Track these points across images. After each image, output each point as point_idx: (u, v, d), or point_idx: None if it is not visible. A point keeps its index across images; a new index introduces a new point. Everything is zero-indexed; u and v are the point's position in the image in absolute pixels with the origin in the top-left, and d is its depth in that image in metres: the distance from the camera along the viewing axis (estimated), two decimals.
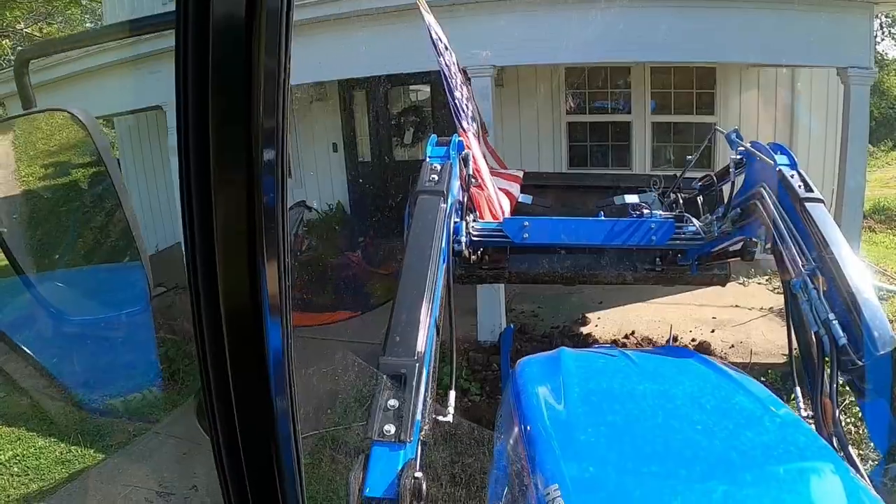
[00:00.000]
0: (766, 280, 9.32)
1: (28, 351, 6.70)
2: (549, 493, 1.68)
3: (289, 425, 0.86)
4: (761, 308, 8.62)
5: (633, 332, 7.96)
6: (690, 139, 10.27)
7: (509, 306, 8.53)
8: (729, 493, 1.64)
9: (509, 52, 7.81)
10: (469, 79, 6.97)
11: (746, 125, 9.70)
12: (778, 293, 9.03)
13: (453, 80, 4.94)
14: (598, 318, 8.42)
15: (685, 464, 1.82)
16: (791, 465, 1.80)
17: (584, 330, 8.20)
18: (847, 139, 7.73)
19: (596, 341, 7.64)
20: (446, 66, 4.94)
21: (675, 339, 7.74)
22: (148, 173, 12.78)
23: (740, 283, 9.17)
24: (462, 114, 4.85)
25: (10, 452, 6.40)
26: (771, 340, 7.89)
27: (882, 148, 24.75)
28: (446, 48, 5.17)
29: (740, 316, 8.44)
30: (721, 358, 7.39)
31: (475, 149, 4.56)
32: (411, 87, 11.48)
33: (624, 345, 7.61)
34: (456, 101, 4.86)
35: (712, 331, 8.04)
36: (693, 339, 7.75)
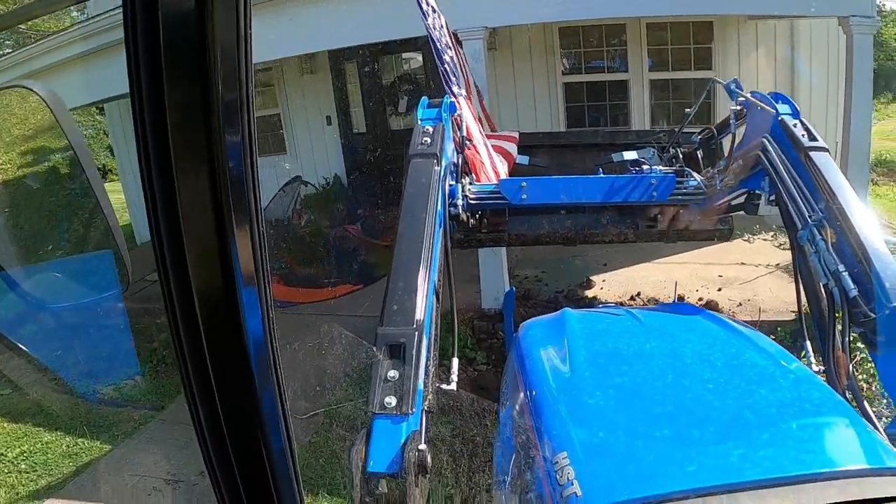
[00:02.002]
0: (772, 236, 9.26)
1: (20, 345, 6.69)
2: (557, 462, 1.65)
3: (275, 406, 0.83)
4: (768, 264, 8.57)
5: (638, 293, 7.92)
6: (689, 95, 10.14)
7: (512, 272, 8.44)
8: (746, 456, 1.57)
9: (501, 12, 7.67)
10: (460, 42, 6.87)
11: (746, 79, 9.54)
12: (784, 249, 8.99)
13: (440, 44, 4.87)
14: (604, 281, 8.36)
15: (698, 425, 1.77)
16: (808, 422, 1.74)
17: (589, 293, 8.16)
18: (851, 90, 7.59)
19: (602, 304, 7.58)
20: (434, 28, 4.87)
21: (682, 298, 7.68)
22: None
23: (745, 240, 9.14)
24: (452, 78, 4.78)
25: (18, 449, 6.37)
26: (779, 297, 7.83)
27: (881, 100, 24.78)
28: (434, 10, 5.09)
29: (747, 273, 8.40)
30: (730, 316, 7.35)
31: (466, 112, 4.49)
32: (403, 56, 11.42)
33: (630, 306, 7.55)
34: (445, 65, 4.79)
35: (719, 289, 8.00)
36: (700, 299, 7.70)
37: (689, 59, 10.12)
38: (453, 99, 4.22)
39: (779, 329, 6.79)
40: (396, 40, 8.71)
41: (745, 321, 6.90)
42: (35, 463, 6.14)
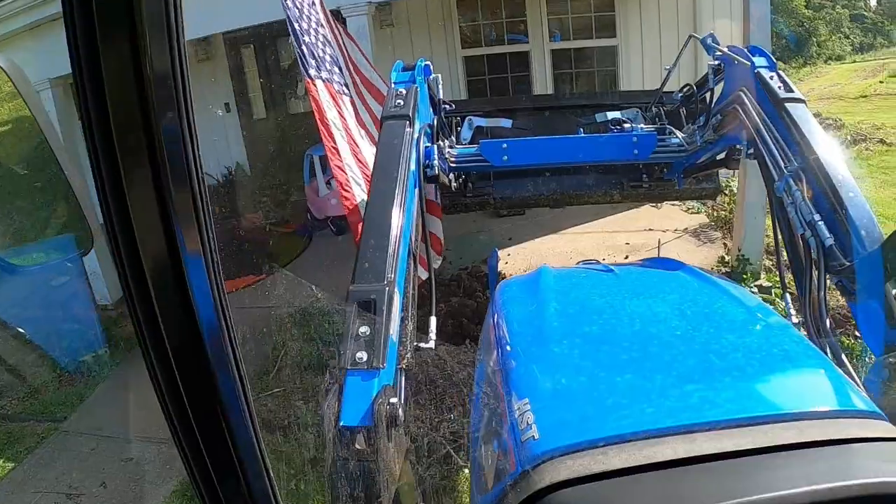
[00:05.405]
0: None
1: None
2: (520, 408, 1.67)
3: (234, 386, 0.86)
4: (675, 230, 8.67)
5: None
6: (592, 64, 10.30)
7: None
8: (706, 398, 1.58)
9: None
10: (344, 20, 6.64)
11: (649, 44, 9.86)
12: (692, 213, 9.04)
13: (299, 25, 4.69)
14: (509, 255, 8.25)
15: (662, 369, 1.78)
16: (775, 367, 1.77)
17: None
18: None
19: (505, 278, 7.47)
20: (296, 8, 4.73)
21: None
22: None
23: (654, 206, 9.13)
24: (311, 61, 4.66)
25: None
26: (685, 259, 7.83)
27: (793, 65, 26.10)
28: None
29: (654, 239, 8.39)
30: None
31: (325, 101, 4.44)
32: None
33: None
34: (304, 47, 4.64)
35: (626, 256, 7.98)
36: None
37: (590, 27, 10.19)
38: (308, 85, 4.34)
39: None
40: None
41: None
42: None
